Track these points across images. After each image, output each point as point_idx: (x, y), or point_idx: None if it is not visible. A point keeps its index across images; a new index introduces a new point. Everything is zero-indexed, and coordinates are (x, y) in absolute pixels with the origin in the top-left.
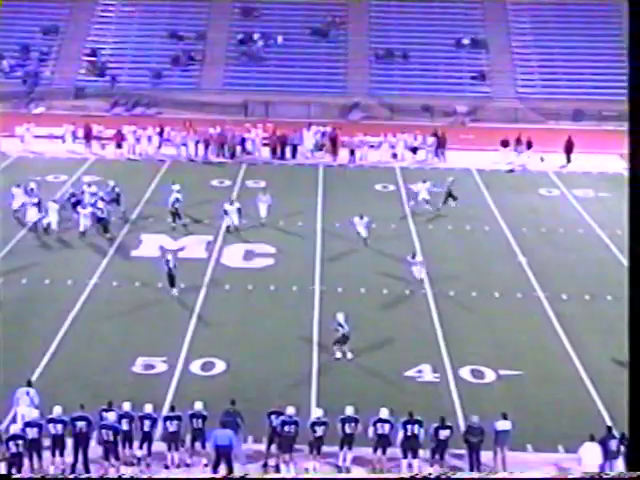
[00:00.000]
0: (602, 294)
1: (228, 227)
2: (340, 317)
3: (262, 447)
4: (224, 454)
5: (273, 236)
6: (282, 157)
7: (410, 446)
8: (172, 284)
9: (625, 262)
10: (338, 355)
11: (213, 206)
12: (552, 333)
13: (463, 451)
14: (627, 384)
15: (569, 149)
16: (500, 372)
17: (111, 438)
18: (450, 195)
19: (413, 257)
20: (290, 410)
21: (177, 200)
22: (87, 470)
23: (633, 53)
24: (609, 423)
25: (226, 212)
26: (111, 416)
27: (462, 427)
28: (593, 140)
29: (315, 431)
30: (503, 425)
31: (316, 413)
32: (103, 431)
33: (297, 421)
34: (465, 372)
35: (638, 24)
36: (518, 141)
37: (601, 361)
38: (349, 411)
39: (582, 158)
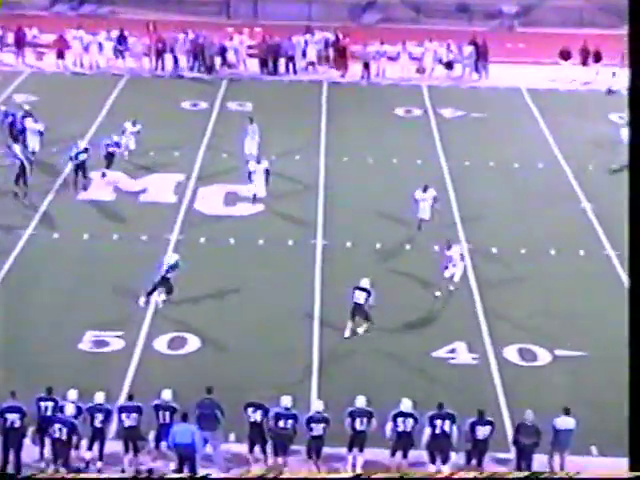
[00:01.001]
0: None
1: (254, 196)
2: (365, 283)
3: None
4: (185, 455)
5: (263, 176)
6: (274, 72)
7: (439, 447)
8: (151, 292)
9: None
10: (347, 333)
11: (184, 136)
12: (625, 302)
13: (509, 455)
14: (627, 384)
15: None
16: (556, 352)
17: (64, 437)
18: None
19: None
20: (285, 401)
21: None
22: (18, 473)
23: (633, 53)
24: None
25: (250, 174)
26: (69, 408)
27: (506, 423)
28: None
29: (312, 429)
30: (564, 423)
31: (315, 406)
32: (55, 426)
33: (295, 415)
34: (511, 352)
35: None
36: (583, 51)
37: None
38: (360, 402)
39: None
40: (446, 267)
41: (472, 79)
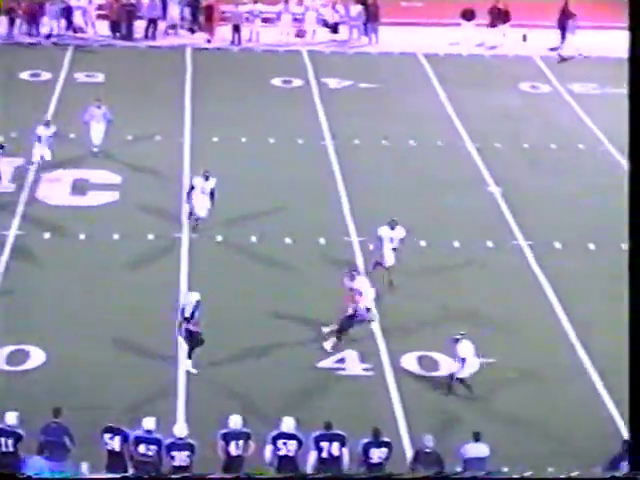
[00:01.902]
0: (615, 241)
1: (197, 220)
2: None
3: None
4: None
5: (117, 159)
6: (128, 36)
7: (327, 472)
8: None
9: None
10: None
11: (23, 112)
12: (540, 299)
13: None
14: (628, 383)
15: (565, 22)
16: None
17: None
18: None
19: None
20: (147, 423)
21: None
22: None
23: (633, 53)
24: (625, 435)
25: (190, 193)
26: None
27: (405, 443)
28: (600, 10)
29: (173, 458)
30: (475, 450)
31: (178, 431)
32: None
33: (159, 439)
34: (409, 361)
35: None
36: (491, 11)
37: (610, 338)
38: (235, 423)
39: (584, 36)
40: (356, 300)
41: (361, 43)
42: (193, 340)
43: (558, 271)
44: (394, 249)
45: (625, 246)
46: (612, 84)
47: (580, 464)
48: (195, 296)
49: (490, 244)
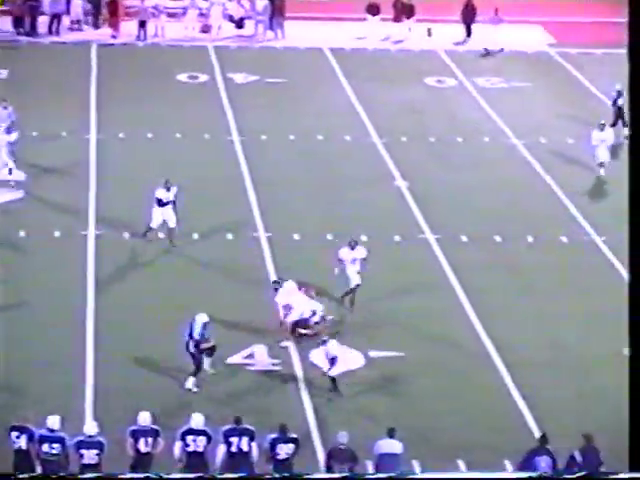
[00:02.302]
0: (521, 234)
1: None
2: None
3: None
4: None
5: (21, 155)
6: (32, 32)
7: (236, 468)
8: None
9: (554, 185)
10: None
11: None
12: (446, 291)
13: (320, 476)
14: (628, 382)
15: (470, 17)
16: (370, 354)
17: None
18: None
19: None
20: (51, 421)
21: None
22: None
23: (633, 53)
24: (533, 427)
25: (160, 203)
26: None
27: (316, 440)
28: (505, 4)
29: (82, 455)
30: (389, 446)
31: (87, 428)
32: None
33: (62, 438)
34: (318, 354)
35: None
36: (396, 6)
37: (516, 330)
38: (144, 420)
39: (488, 30)
40: (286, 315)
41: (267, 38)
42: (201, 356)
43: (465, 264)
44: (358, 271)
45: (531, 238)
46: (518, 78)
47: (490, 457)
48: (203, 317)
49: (397, 238)
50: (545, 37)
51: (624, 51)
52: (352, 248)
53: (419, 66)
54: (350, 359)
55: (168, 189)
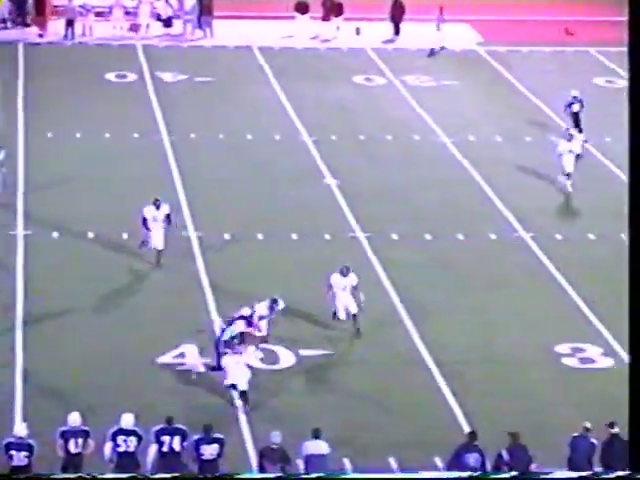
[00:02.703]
0: (451, 231)
1: (158, 254)
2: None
3: None
4: None
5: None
6: None
7: (168, 467)
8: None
9: (483, 183)
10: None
11: None
12: (377, 290)
13: (251, 476)
14: (628, 381)
15: (398, 15)
16: (301, 352)
17: None
18: None
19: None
20: None
21: None
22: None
23: (633, 53)
24: (464, 424)
25: (146, 221)
26: None
27: (247, 440)
28: (433, 3)
29: (11, 457)
30: (315, 447)
31: (17, 429)
32: None
33: None
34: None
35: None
36: (324, 4)
37: (448, 328)
38: (73, 420)
39: (417, 28)
40: (259, 329)
41: (195, 37)
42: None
43: (395, 262)
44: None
45: (461, 236)
46: (447, 77)
47: (421, 454)
48: (240, 326)
49: (327, 236)
50: (474, 36)
51: (550, 49)
52: (344, 275)
53: (348, 64)
54: (239, 375)
55: (158, 207)
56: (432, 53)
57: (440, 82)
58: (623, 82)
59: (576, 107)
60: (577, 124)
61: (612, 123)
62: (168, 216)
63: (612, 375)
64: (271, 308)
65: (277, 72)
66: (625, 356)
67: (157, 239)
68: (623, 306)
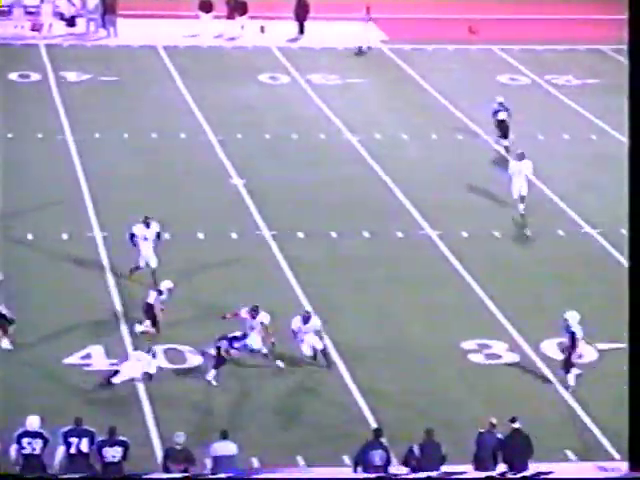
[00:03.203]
0: (357, 229)
1: (136, 268)
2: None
3: None
4: None
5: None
6: None
7: (75, 468)
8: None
9: (390, 181)
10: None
11: None
12: (284, 288)
13: (156, 476)
14: (627, 381)
15: (302, 14)
16: (209, 352)
17: None
18: None
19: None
20: None
21: None
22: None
23: (633, 52)
24: (371, 421)
25: (134, 238)
26: None
27: (155, 442)
28: (339, 1)
29: None
30: (223, 448)
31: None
32: None
33: None
34: (160, 353)
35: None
36: (229, 3)
37: (354, 325)
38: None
39: (322, 27)
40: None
41: (99, 36)
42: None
43: (301, 260)
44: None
45: (367, 234)
46: (352, 75)
47: (329, 452)
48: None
49: (234, 235)
50: (378, 34)
51: (454, 47)
52: (305, 322)
53: (253, 63)
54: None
55: (147, 225)
56: (360, 52)
57: (345, 80)
58: (526, 79)
59: (502, 115)
60: (504, 133)
61: (515, 120)
62: (158, 234)
63: (518, 370)
64: (159, 292)
65: (182, 71)
66: (530, 351)
67: (149, 258)
68: (527, 302)
